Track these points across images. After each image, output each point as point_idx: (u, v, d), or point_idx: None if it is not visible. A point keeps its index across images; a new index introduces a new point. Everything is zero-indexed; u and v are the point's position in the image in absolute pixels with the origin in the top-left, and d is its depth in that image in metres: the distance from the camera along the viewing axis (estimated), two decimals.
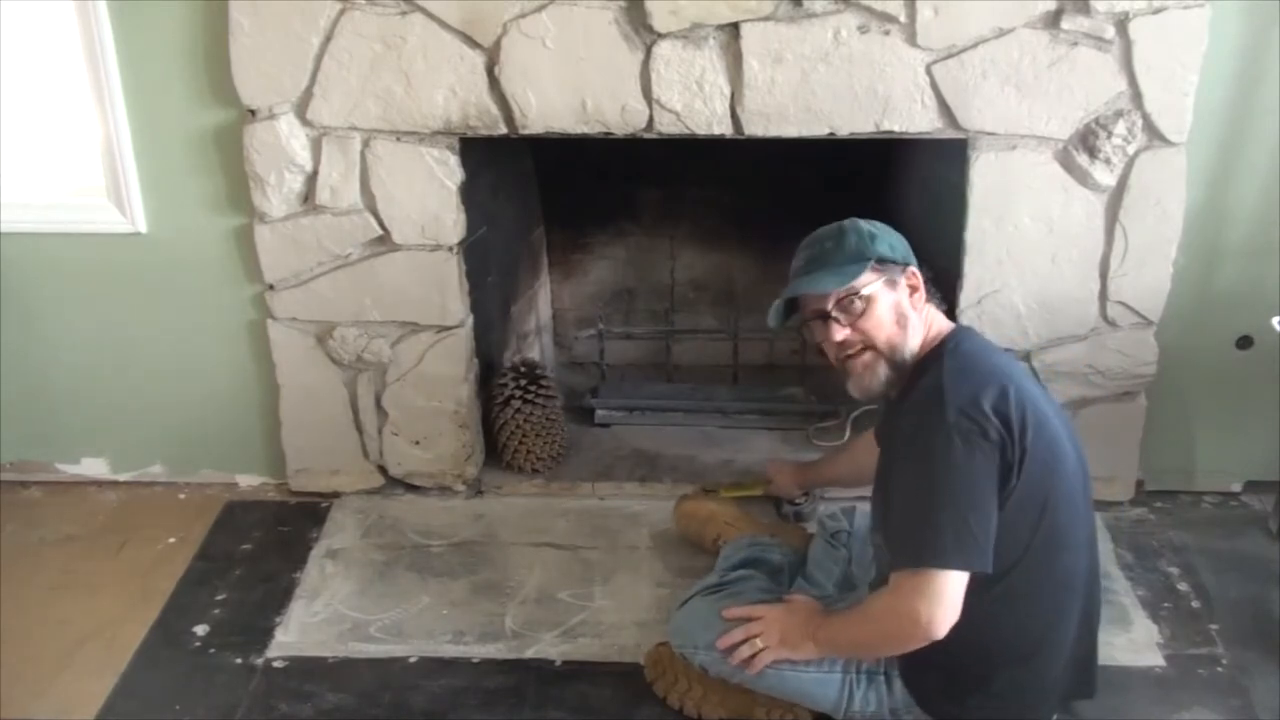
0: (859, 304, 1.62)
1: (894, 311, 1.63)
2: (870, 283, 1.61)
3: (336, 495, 2.47)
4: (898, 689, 1.67)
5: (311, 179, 2.18)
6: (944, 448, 1.49)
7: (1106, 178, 2.09)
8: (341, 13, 2.04)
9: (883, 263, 1.63)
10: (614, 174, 2.72)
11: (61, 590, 2.22)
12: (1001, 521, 1.51)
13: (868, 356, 1.64)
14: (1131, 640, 1.99)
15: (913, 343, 1.63)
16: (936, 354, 1.61)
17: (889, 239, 1.65)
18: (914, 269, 1.66)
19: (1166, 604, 2.09)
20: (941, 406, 1.50)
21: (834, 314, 1.63)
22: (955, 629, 1.49)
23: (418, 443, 2.43)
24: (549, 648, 2.00)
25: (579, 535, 2.32)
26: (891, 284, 1.63)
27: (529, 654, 1.99)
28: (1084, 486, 1.63)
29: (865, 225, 1.66)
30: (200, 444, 2.52)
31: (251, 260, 2.27)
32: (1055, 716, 1.72)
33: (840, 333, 1.63)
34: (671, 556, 2.24)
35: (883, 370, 1.63)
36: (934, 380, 1.55)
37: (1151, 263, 2.15)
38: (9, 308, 2.39)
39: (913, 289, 1.65)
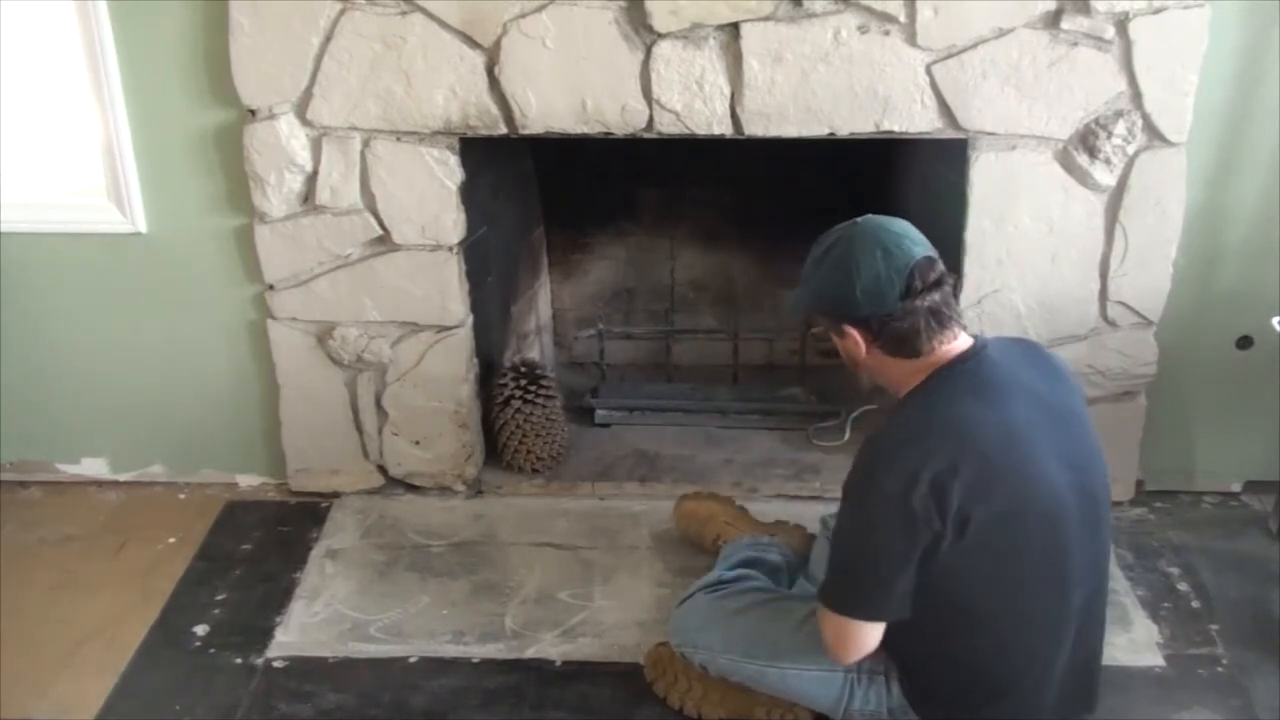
0: (819, 330, 1.66)
1: (845, 353, 1.61)
2: (815, 324, 1.63)
3: (336, 495, 2.47)
4: (897, 690, 1.67)
5: (311, 179, 2.18)
6: (869, 506, 1.47)
7: (1106, 178, 2.09)
8: (341, 13, 2.04)
9: (814, 310, 1.61)
10: (614, 174, 2.72)
11: (61, 590, 2.22)
12: (950, 567, 1.45)
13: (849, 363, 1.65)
14: (1131, 640, 1.99)
15: (879, 380, 1.61)
16: (918, 389, 1.53)
17: (834, 287, 1.52)
18: (850, 325, 1.54)
19: (1166, 604, 2.09)
20: (877, 465, 1.46)
21: (814, 331, 1.66)
22: (944, 666, 1.55)
23: (418, 443, 2.43)
24: (549, 648, 2.01)
25: (579, 535, 2.32)
26: (837, 331, 1.59)
27: (529, 654, 1.99)
28: (1081, 515, 1.51)
29: (836, 255, 1.52)
30: (200, 444, 2.52)
31: (251, 260, 2.27)
32: None
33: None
34: (671, 556, 2.24)
35: (865, 379, 1.65)
36: (890, 428, 1.51)
37: (1151, 263, 2.15)
38: (9, 308, 2.39)
39: (855, 343, 1.55)
